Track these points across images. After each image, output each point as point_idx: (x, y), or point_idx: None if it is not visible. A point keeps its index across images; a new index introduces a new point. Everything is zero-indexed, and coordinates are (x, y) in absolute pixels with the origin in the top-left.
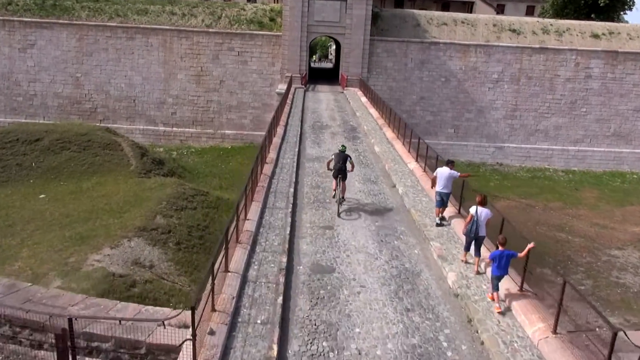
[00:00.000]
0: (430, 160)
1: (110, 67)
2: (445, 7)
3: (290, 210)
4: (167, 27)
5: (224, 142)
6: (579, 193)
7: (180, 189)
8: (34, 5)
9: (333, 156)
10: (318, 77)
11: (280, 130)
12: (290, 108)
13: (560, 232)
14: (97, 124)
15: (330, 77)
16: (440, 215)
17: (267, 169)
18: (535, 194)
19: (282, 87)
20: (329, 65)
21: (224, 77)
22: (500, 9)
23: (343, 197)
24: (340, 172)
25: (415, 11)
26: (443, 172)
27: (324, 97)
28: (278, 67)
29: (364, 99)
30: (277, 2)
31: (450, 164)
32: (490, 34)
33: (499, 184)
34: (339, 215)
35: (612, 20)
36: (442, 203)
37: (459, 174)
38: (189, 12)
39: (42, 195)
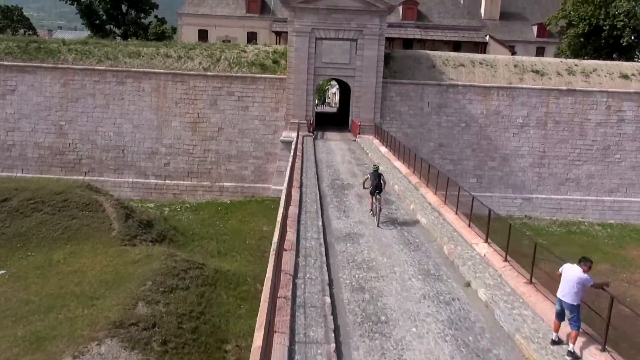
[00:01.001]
0: (496, 234)
1: (97, 114)
2: (456, 48)
3: (333, 347)
4: (161, 71)
5: (223, 196)
6: (625, 251)
7: (170, 263)
8: (16, 49)
9: (369, 175)
10: (323, 122)
11: (295, 194)
12: (302, 162)
13: (621, 306)
14: (81, 177)
15: (336, 122)
16: (557, 331)
17: (287, 259)
18: (577, 254)
19: (286, 135)
20: (331, 109)
21: (223, 124)
22: (510, 50)
23: (381, 209)
24: (377, 189)
25: (429, 52)
26: (570, 272)
27: (335, 146)
28: (282, 112)
29: (383, 149)
30: (279, 43)
31: (584, 262)
32: (512, 76)
33: (531, 241)
34: (378, 225)
35: (634, 60)
36: (562, 316)
37: (592, 281)
38: (185, 54)
39: (1, 271)
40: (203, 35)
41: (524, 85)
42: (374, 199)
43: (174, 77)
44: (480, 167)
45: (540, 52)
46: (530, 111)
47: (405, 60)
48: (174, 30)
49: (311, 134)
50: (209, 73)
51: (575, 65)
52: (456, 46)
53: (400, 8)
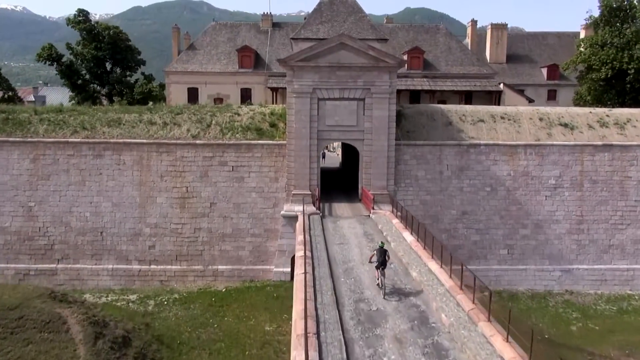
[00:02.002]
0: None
1: (72, 192)
2: (468, 98)
3: None
4: (144, 141)
5: (217, 281)
6: None
7: None
8: None
9: (375, 252)
10: (328, 184)
11: (312, 338)
12: (313, 266)
13: None
14: (53, 265)
15: (343, 184)
16: None
17: None
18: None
19: (288, 209)
20: (331, 157)
21: (216, 199)
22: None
23: (385, 284)
24: (383, 264)
25: (444, 106)
26: None
27: (348, 229)
28: (283, 182)
29: (408, 236)
30: (276, 101)
31: None
32: (539, 131)
33: (582, 327)
34: (384, 297)
35: None
36: None
37: None
38: (171, 120)
39: None
40: (193, 94)
41: (554, 142)
42: (379, 273)
43: (158, 147)
44: (511, 236)
45: (552, 95)
46: (563, 170)
47: (419, 118)
48: (163, 87)
49: (317, 210)
50: (198, 141)
51: (607, 115)
52: (468, 96)
53: (406, 57)
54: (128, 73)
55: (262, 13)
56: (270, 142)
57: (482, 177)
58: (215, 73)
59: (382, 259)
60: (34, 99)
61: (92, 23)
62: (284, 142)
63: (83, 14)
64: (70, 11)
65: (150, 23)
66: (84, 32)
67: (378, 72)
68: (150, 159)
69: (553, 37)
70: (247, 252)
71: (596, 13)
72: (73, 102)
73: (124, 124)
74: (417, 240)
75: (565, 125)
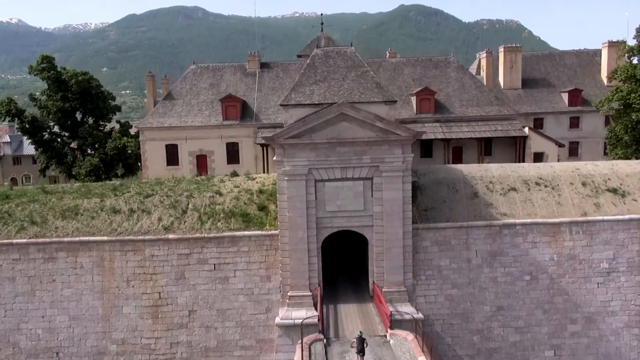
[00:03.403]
0: None
1: (19, 305)
2: (487, 145)
3: None
4: (104, 238)
5: None
6: None
7: None
8: None
9: (355, 340)
10: (330, 271)
11: None
12: None
13: None
14: None
15: (349, 273)
16: None
17: None
18: None
19: (285, 315)
20: None
21: (195, 305)
22: (539, 124)
23: None
24: (362, 352)
25: (466, 170)
26: None
27: None
28: (276, 282)
29: None
30: (267, 160)
31: None
32: (584, 201)
33: None
34: None
35: None
36: None
37: None
38: (139, 205)
39: None
40: (172, 151)
41: (605, 217)
42: (358, 358)
43: (122, 245)
44: (558, 333)
45: (574, 122)
46: (617, 251)
47: (437, 189)
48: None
49: (320, 328)
50: (171, 236)
51: None
52: (487, 142)
53: (414, 100)
54: (101, 123)
55: (249, 53)
56: (259, 232)
57: (519, 263)
58: (196, 127)
59: (361, 346)
60: (9, 140)
61: (59, 70)
62: (276, 231)
63: (47, 61)
64: (66, 21)
65: (145, 30)
66: (49, 82)
67: (388, 146)
68: (113, 260)
69: (571, 56)
70: None
71: (628, 33)
72: (40, 160)
73: (81, 214)
74: None
75: (615, 191)
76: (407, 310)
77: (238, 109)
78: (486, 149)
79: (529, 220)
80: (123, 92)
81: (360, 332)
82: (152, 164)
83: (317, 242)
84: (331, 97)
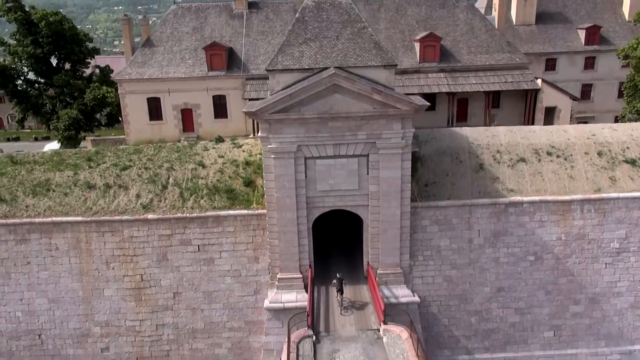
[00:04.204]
0: None
1: None
2: (495, 98)
3: None
4: (79, 219)
5: None
6: None
7: None
8: None
9: (335, 281)
10: (321, 229)
11: None
12: None
13: None
14: None
15: (342, 244)
16: None
17: None
18: None
19: (274, 298)
20: None
21: (180, 288)
22: (551, 65)
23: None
24: (340, 290)
25: (471, 136)
26: None
27: None
28: (265, 262)
29: None
30: (257, 130)
31: None
32: (599, 174)
33: None
34: (341, 312)
35: None
36: None
37: None
38: (115, 180)
39: None
40: (154, 105)
41: (620, 194)
42: (338, 295)
43: (99, 226)
44: (559, 314)
45: (590, 63)
46: (630, 230)
47: (440, 160)
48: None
49: (309, 329)
50: (150, 216)
51: None
52: (496, 95)
53: (417, 46)
54: (78, 67)
55: None
56: (246, 212)
57: (524, 243)
58: (179, 79)
59: (340, 286)
60: None
61: (27, 10)
62: (264, 211)
63: None
64: None
65: None
66: (17, 23)
67: (387, 120)
68: (90, 242)
69: None
70: (226, 350)
71: None
72: (16, 110)
73: (54, 190)
74: None
75: (633, 162)
76: (402, 293)
77: (224, 58)
78: (494, 100)
79: (537, 198)
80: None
81: (339, 274)
82: (133, 119)
83: (307, 223)
84: (323, 60)
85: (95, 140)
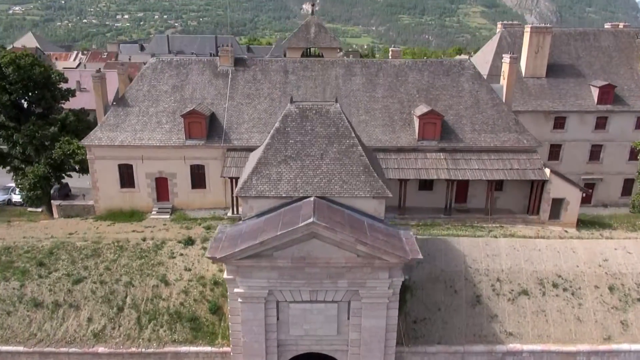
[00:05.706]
0: None
1: None
2: (498, 186)
3: None
4: (21, 349)
5: None
6: None
7: None
8: None
9: None
10: None
11: None
12: None
13: None
14: None
15: None
16: None
17: None
18: None
19: None
20: None
21: None
22: (560, 123)
23: None
24: None
25: (466, 250)
26: None
27: None
28: None
29: None
30: (237, 203)
31: None
32: (609, 315)
33: None
34: None
35: None
36: None
37: None
38: (65, 298)
39: None
40: (126, 172)
41: (633, 347)
42: None
43: (43, 358)
44: None
45: (601, 123)
46: None
47: (432, 290)
48: None
49: None
50: (101, 349)
51: None
52: (498, 186)
53: (417, 122)
54: (50, 113)
55: (221, 46)
56: (209, 349)
57: None
58: (154, 146)
59: None
60: None
61: None
62: (229, 349)
63: None
64: None
65: None
66: None
67: (372, 269)
68: None
69: (608, 36)
70: None
71: None
72: None
73: None
74: None
75: None
76: None
77: (204, 126)
78: (498, 182)
79: (539, 347)
80: None
81: None
82: (103, 185)
83: None
84: (303, 186)
85: (62, 206)
